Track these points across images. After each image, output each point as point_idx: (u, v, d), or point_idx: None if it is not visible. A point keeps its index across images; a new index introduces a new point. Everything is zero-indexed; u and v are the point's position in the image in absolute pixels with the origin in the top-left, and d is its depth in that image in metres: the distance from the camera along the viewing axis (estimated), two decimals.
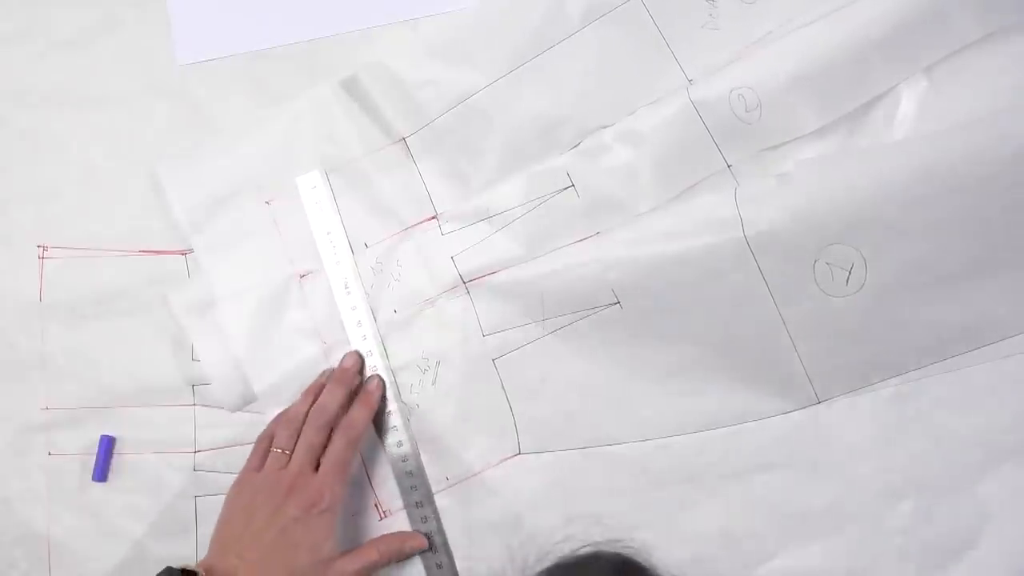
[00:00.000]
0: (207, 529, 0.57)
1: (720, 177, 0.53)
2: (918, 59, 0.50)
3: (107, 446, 0.59)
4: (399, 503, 0.57)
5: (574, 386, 0.55)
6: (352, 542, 0.56)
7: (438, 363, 0.57)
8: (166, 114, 0.62)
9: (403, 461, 0.57)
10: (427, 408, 0.57)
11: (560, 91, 0.56)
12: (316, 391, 0.57)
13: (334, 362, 0.58)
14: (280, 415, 0.57)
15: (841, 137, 0.51)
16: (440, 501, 0.56)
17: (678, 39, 0.54)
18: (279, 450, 0.54)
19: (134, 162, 0.61)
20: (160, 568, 0.50)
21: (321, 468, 0.54)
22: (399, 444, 0.57)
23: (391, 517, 0.57)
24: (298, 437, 0.54)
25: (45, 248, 0.61)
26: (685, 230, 0.51)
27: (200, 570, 0.50)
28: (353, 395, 0.56)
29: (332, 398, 0.55)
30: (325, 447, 0.54)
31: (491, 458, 0.56)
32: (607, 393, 0.55)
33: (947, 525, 0.49)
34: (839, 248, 0.49)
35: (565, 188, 0.56)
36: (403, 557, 0.56)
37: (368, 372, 0.58)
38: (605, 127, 0.55)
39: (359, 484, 0.57)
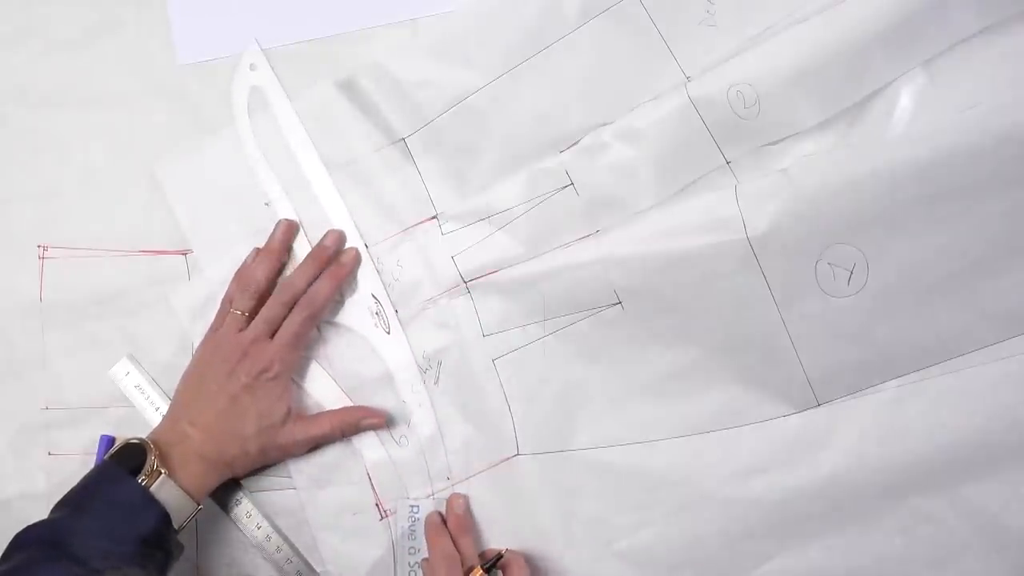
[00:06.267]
0: (207, 528, 0.57)
1: (719, 174, 0.53)
2: (917, 53, 0.49)
3: (107, 446, 0.59)
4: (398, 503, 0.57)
5: (573, 387, 0.55)
6: (352, 541, 0.56)
7: (439, 363, 0.57)
8: (166, 114, 0.62)
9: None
10: (428, 408, 0.57)
11: (558, 90, 0.55)
12: (275, 252, 0.57)
13: (333, 359, 0.58)
14: (238, 274, 0.57)
15: (840, 132, 0.51)
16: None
17: (676, 36, 0.54)
18: (238, 312, 0.55)
19: (134, 162, 0.61)
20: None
21: (276, 337, 0.55)
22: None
23: (392, 517, 0.57)
24: (257, 299, 0.55)
25: (45, 248, 0.61)
26: (688, 230, 0.51)
27: (148, 441, 0.51)
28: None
29: (303, 275, 0.56)
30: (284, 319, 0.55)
31: (490, 458, 0.56)
32: (607, 394, 0.55)
33: (947, 525, 0.49)
34: (841, 248, 0.49)
35: (564, 187, 0.55)
36: (357, 431, 0.56)
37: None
38: (604, 125, 0.55)
39: (360, 484, 0.57)
